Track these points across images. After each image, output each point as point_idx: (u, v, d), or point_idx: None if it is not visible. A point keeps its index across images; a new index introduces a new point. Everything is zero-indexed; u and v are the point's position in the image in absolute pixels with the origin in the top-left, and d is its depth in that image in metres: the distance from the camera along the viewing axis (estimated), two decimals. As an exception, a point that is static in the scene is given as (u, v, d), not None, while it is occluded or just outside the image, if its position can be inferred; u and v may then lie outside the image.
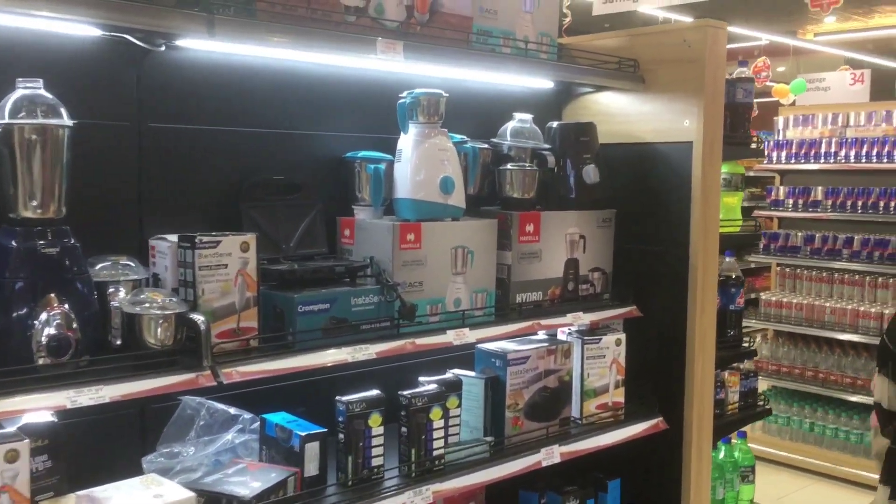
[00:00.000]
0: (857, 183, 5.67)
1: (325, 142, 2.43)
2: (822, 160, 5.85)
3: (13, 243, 1.74)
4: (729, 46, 2.82)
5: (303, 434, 2.05)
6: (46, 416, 1.76)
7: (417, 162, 2.32)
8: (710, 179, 2.76)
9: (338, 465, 2.14)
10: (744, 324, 3.28)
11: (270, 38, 1.94)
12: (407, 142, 2.34)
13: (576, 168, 2.71)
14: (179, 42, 1.99)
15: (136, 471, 1.93)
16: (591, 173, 2.70)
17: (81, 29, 1.90)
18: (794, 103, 9.37)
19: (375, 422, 2.16)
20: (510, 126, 2.74)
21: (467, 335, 2.35)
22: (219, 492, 1.88)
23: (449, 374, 2.44)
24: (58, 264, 1.77)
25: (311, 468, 2.07)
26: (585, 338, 2.70)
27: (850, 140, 5.73)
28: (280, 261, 2.25)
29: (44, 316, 1.69)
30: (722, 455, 3.30)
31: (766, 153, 5.97)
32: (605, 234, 2.78)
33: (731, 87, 2.99)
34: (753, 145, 3.09)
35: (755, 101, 3.31)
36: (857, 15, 13.33)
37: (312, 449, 2.07)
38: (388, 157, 2.40)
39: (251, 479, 1.93)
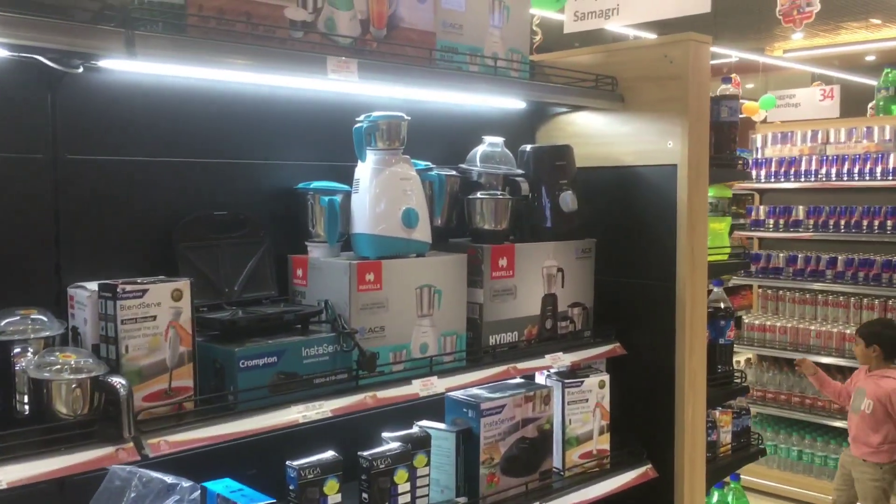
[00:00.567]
0: (838, 201, 5.52)
1: (273, 172, 2.18)
2: (803, 178, 5.69)
3: None
4: None
5: (247, 508, 1.79)
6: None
7: (377, 192, 2.08)
8: (696, 204, 2.55)
9: (289, 541, 1.88)
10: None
11: (201, 57, 1.70)
12: (365, 170, 2.10)
13: (552, 195, 2.48)
14: (101, 63, 1.75)
15: (51, 559, 1.65)
16: (568, 200, 2.47)
17: (-18, 49, 1.65)
18: (765, 120, 9.29)
19: (332, 489, 1.90)
20: (480, 150, 2.51)
21: (435, 384, 2.10)
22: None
23: (415, 428, 2.19)
24: (-51, 323, 1.50)
25: (258, 546, 1.81)
26: (566, 381, 2.47)
27: (830, 157, 5.59)
28: (223, 307, 2.00)
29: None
30: (715, 500, 3.07)
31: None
32: (585, 266, 2.56)
33: (716, 105, 2.79)
34: (739, 166, 2.89)
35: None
36: (824, 31, 13.39)
37: (258, 525, 1.81)
38: (346, 187, 2.16)
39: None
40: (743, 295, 7.90)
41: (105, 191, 1.90)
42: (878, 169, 5.34)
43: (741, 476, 3.28)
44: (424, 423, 2.26)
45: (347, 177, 2.14)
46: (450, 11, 2.27)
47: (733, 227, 6.36)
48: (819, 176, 5.61)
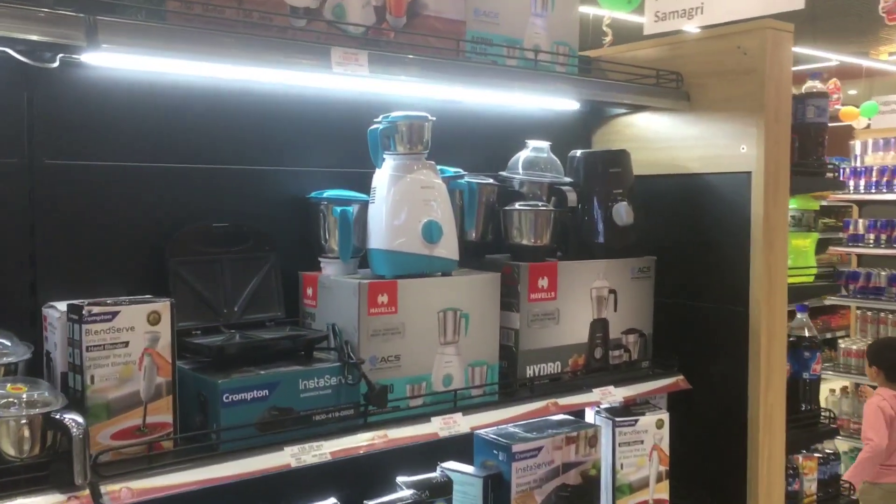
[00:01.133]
0: (949, 214, 4.99)
1: (282, 179, 1.96)
2: (908, 189, 5.18)
3: None
4: (795, 69, 2.28)
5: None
6: None
7: (394, 203, 1.83)
8: (774, 217, 2.21)
9: None
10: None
11: (177, 48, 1.49)
12: (382, 178, 1.86)
13: (604, 206, 2.19)
14: (84, 57, 1.56)
15: None
16: (623, 212, 2.17)
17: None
18: (868, 126, 8.65)
19: (331, 543, 1.66)
20: (522, 156, 2.24)
21: (458, 423, 1.83)
22: None
23: (437, 472, 1.93)
24: None
25: None
26: (618, 419, 2.16)
27: (939, 166, 5.05)
28: (220, 331, 1.78)
29: None
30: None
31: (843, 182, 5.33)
32: (643, 287, 2.25)
33: (800, 105, 2.43)
34: (829, 174, 2.52)
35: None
36: (935, 32, 12.48)
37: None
38: (363, 197, 1.92)
39: None
40: (842, 314, 7.31)
41: (88, 200, 1.71)
42: None
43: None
44: (450, 464, 2.00)
45: (367, 185, 1.90)
46: (485, -2, 2.01)
47: (827, 243, 5.86)
48: (927, 186, 5.09)
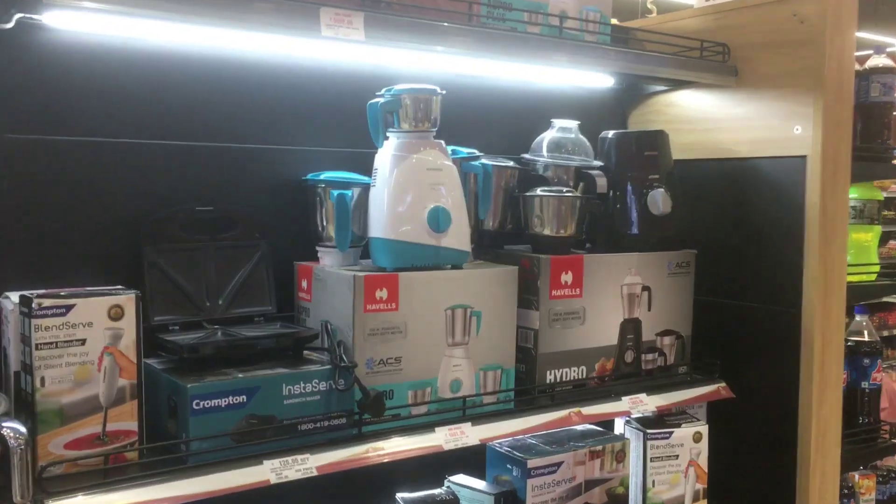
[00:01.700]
0: None
1: (276, 159, 1.77)
2: (977, 180, 4.80)
3: None
4: (856, 53, 2.02)
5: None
6: None
7: (397, 186, 1.63)
8: (833, 208, 1.95)
9: None
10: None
11: (147, 5, 1.30)
12: (384, 159, 1.66)
13: (638, 193, 1.96)
14: (45, 16, 1.39)
15: None
16: (659, 200, 1.94)
17: None
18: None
19: (316, 569, 1.47)
20: (547, 137, 2.02)
21: (466, 434, 1.63)
22: None
23: (443, 487, 1.73)
24: None
25: None
26: (649, 431, 1.93)
27: None
28: (202, 326, 1.61)
29: None
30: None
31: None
32: (682, 284, 2.01)
33: (864, 82, 2.17)
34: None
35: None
36: None
37: None
38: (365, 179, 1.73)
39: None
40: (899, 311, 6.91)
41: (54, 179, 1.54)
42: None
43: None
44: (459, 479, 1.80)
45: (370, 167, 1.70)
46: (505, -41, 1.79)
47: (889, 236, 5.49)
48: None
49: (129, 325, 1.37)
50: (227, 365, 1.48)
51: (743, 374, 2.06)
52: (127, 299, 1.37)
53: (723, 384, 2.05)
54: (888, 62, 2.20)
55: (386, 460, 1.53)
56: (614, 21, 2.03)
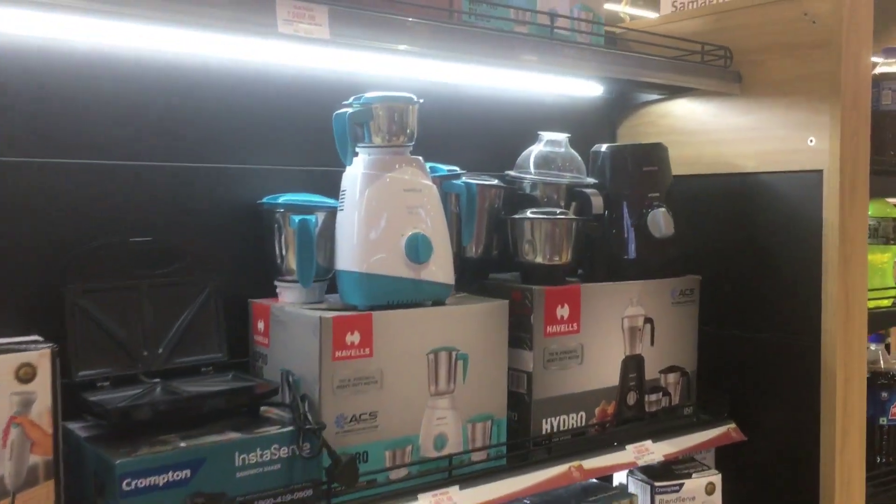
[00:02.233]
0: None
1: (226, 179, 1.52)
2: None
3: None
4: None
5: None
6: None
7: (368, 210, 1.39)
8: (852, 227, 1.76)
9: None
10: None
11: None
12: (353, 178, 1.42)
13: (637, 214, 1.75)
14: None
15: None
16: (660, 221, 1.73)
17: None
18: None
19: None
20: (534, 152, 1.80)
21: (454, 500, 1.39)
22: None
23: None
24: None
25: None
26: (658, 484, 1.71)
27: None
28: (139, 380, 1.35)
29: None
30: None
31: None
32: (686, 314, 1.81)
33: (874, 89, 1.98)
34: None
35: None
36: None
37: None
38: (331, 202, 1.49)
39: None
40: None
41: (-47, 208, 1.28)
42: None
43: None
44: (444, 548, 1.55)
45: (337, 188, 1.46)
46: (488, -50, 1.58)
47: None
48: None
49: (42, 387, 1.11)
50: (166, 429, 1.22)
51: (754, 413, 1.86)
52: (39, 355, 1.11)
53: (732, 425, 1.84)
54: (898, 68, 2.03)
55: (361, 539, 1.28)
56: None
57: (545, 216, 1.62)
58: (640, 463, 1.67)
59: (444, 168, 1.59)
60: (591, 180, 1.78)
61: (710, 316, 1.87)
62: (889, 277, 2.05)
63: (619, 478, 1.83)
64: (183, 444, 1.17)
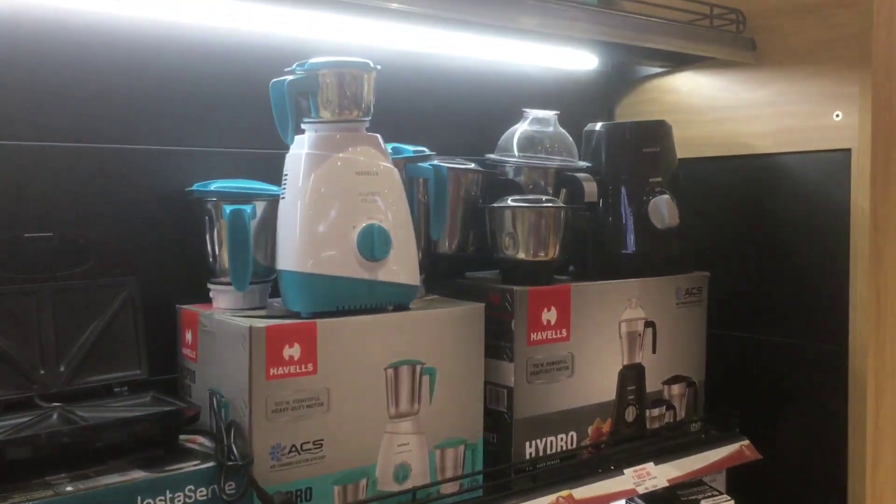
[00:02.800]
0: None
1: (149, 163, 1.29)
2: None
3: None
4: None
5: None
6: None
7: (314, 198, 1.16)
8: (884, 215, 1.53)
9: None
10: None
11: None
12: (295, 159, 1.19)
13: (637, 202, 1.52)
14: None
15: None
16: (664, 210, 1.50)
17: None
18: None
19: None
20: (518, 131, 1.56)
21: (418, 545, 1.16)
22: None
23: None
24: None
25: None
26: (661, 514, 1.49)
27: None
28: (35, 405, 1.12)
29: None
30: None
31: None
32: (692, 316, 1.58)
33: (905, 57, 1.75)
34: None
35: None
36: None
37: None
38: (273, 189, 1.26)
39: None
40: None
41: None
42: None
43: None
44: None
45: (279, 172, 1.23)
46: None
47: None
48: None
49: None
50: (57, 467, 1.00)
51: (770, 427, 1.63)
52: None
53: (746, 442, 1.61)
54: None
55: None
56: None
57: (528, 204, 1.38)
58: (641, 490, 1.44)
59: (410, 149, 1.35)
60: (583, 164, 1.55)
61: (720, 318, 1.64)
62: (923, 272, 1.81)
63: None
64: (70, 488, 0.95)
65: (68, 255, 1.18)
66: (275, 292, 1.26)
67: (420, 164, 1.32)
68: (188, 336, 1.25)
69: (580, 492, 1.35)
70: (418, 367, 1.22)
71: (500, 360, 1.34)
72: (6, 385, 1.11)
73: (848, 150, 1.51)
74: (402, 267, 1.21)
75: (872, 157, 1.49)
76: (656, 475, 1.45)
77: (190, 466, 1.02)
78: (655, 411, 1.54)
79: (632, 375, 1.49)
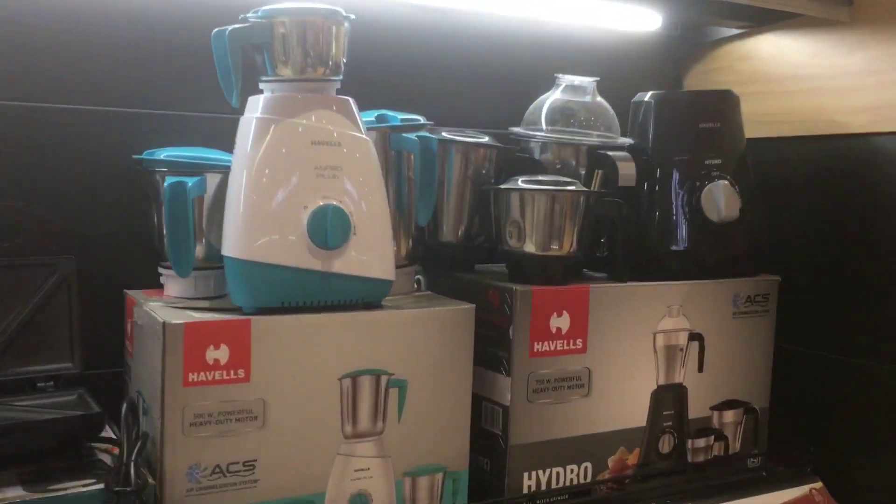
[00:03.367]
0: None
1: (90, 126, 1.14)
2: None
3: None
4: None
5: None
6: None
7: (259, 172, 0.97)
8: None
9: None
10: None
11: None
12: (245, 125, 1.00)
13: (689, 188, 1.25)
14: None
15: None
16: (720, 199, 1.23)
17: None
18: None
19: None
20: (548, 101, 1.31)
21: None
22: None
23: None
24: None
25: None
26: (697, 571, 1.22)
27: None
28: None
29: None
30: None
31: None
32: (754, 329, 1.30)
33: None
34: None
35: None
36: None
37: None
38: (225, 157, 1.08)
39: None
40: None
41: None
42: None
43: None
44: None
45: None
46: None
47: None
48: None
49: None
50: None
51: (849, 469, 1.33)
52: None
53: (818, 484, 1.32)
54: None
55: None
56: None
57: (539, 186, 1.14)
58: (674, 538, 1.19)
59: (398, 116, 1.14)
60: (624, 140, 1.29)
61: (791, 333, 1.35)
62: None
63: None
64: (-75, 507, 0.80)
65: (-8, 230, 1.05)
66: (235, 280, 1.09)
67: (404, 134, 1.11)
68: (129, 327, 1.09)
69: (590, 538, 1.11)
70: (384, 379, 1.01)
71: (495, 371, 1.12)
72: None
73: (964, 130, 1.19)
74: (371, 257, 1.00)
75: None
76: (696, 522, 1.20)
77: (77, 487, 0.86)
78: (701, 442, 1.27)
79: (670, 398, 1.24)
